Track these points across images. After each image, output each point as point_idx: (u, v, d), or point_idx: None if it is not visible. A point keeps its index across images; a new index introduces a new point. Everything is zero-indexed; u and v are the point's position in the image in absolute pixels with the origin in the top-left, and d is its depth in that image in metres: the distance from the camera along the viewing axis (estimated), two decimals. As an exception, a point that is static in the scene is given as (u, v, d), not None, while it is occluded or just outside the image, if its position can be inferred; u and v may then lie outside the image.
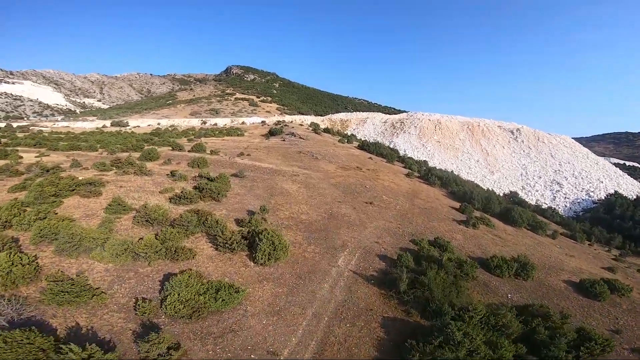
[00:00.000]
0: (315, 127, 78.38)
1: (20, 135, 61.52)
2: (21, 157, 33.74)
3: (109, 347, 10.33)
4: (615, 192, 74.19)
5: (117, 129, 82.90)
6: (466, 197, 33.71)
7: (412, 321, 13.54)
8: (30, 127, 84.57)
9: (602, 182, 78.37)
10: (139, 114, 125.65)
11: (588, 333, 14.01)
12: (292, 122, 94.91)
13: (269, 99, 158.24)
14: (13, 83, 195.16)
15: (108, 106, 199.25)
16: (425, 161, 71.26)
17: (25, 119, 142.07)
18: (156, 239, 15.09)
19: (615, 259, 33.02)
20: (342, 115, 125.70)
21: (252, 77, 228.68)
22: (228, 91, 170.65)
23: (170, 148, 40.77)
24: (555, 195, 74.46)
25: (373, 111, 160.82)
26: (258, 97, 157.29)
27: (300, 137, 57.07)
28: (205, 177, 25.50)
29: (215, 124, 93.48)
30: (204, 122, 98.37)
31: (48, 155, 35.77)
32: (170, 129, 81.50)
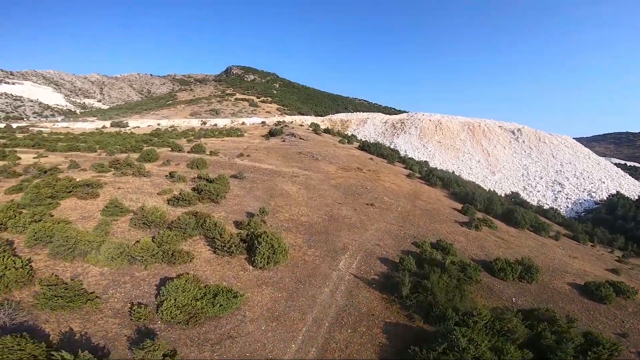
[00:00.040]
0: (315, 128, 78.08)
1: (20, 135, 61.29)
2: (19, 158, 33.46)
3: (103, 354, 10.03)
4: (617, 192, 73.80)
5: (117, 129, 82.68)
6: (468, 198, 33.38)
7: (414, 326, 13.22)
8: (30, 128, 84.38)
9: (603, 182, 77.98)
10: (139, 114, 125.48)
11: (595, 337, 13.68)
12: (292, 122, 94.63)
13: (269, 99, 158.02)
14: (13, 83, 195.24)
15: (108, 107, 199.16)
16: (426, 162, 70.94)
17: (25, 119, 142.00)
18: (153, 241, 14.80)
19: (618, 261, 32.69)
20: (342, 116, 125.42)
21: (252, 77, 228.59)
22: (228, 91, 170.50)
23: (170, 149, 40.49)
24: (556, 195, 74.09)
25: (373, 111, 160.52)
26: (258, 98, 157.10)
27: (301, 138, 56.78)
28: (204, 179, 25.20)
29: (215, 125, 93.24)
30: (204, 123, 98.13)
31: (46, 156, 35.50)
32: (170, 129, 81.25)
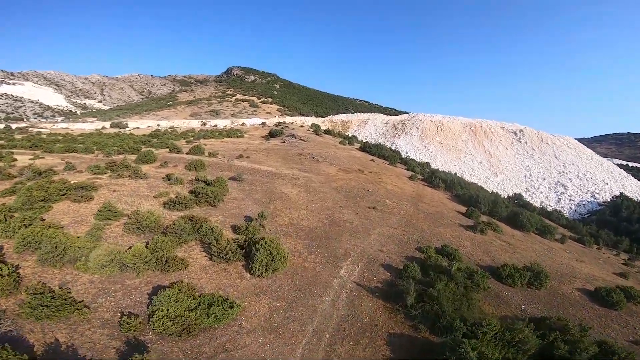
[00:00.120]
0: (316, 129, 77.50)
1: (18, 136, 60.83)
2: (15, 160, 32.90)
3: (89, 368, 9.46)
4: (621, 194, 73.05)
5: (116, 130, 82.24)
6: (472, 200, 32.69)
7: (420, 337, 12.56)
8: (29, 129, 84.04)
9: (607, 183, 77.24)
10: (139, 115, 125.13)
11: (610, 347, 13.07)
12: (292, 123, 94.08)
13: (270, 100, 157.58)
14: (14, 84, 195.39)
15: (109, 107, 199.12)
16: (427, 163, 70.26)
17: (25, 120, 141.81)
18: (146, 247, 14.16)
19: (625, 264, 32.03)
20: (343, 117, 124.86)
21: (252, 78, 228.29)
22: (228, 92, 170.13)
23: (168, 150, 39.90)
24: (560, 197, 73.36)
25: (374, 112, 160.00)
26: (259, 98, 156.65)
27: (301, 139, 56.17)
28: (202, 181, 24.59)
29: (215, 126, 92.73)
30: (204, 124, 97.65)
31: (42, 158, 34.95)
32: (169, 130, 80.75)
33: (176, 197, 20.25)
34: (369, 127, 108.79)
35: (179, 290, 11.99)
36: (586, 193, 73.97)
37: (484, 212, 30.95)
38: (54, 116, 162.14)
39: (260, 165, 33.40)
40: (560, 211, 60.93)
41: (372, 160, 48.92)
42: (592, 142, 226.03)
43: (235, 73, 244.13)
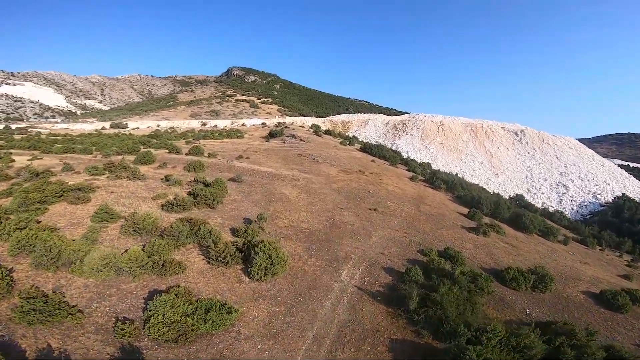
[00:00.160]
0: (316, 129, 77.22)
1: (17, 137, 60.59)
2: (13, 161, 32.63)
3: (82, 376, 9.16)
4: (623, 194, 72.67)
5: (116, 131, 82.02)
6: (474, 202, 32.34)
7: (423, 343, 12.24)
8: (29, 129, 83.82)
9: (608, 184, 76.87)
10: (139, 115, 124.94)
11: (618, 351, 12.77)
12: (292, 123, 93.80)
13: (270, 100, 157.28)
14: (14, 84, 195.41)
15: (109, 108, 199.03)
16: (428, 163, 69.92)
17: (25, 120, 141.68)
18: (143, 251, 13.86)
19: (628, 265, 31.74)
20: (343, 117, 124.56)
21: (253, 78, 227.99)
22: (229, 92, 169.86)
23: (167, 151, 39.61)
24: (561, 197, 72.98)
25: (374, 112, 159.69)
26: (259, 99, 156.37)
27: (301, 139, 55.88)
28: (200, 182, 24.28)
29: (215, 126, 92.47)
30: (204, 124, 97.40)
31: (41, 159, 34.66)
32: (169, 131, 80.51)
33: (174, 198, 19.96)
34: (370, 128, 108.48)
35: (176, 295, 11.69)
36: (588, 194, 73.61)
37: (486, 214, 30.61)
38: (54, 116, 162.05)
39: (260, 166, 33.10)
40: (562, 212, 60.58)
41: (372, 161, 48.60)
42: (592, 143, 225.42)
43: (235, 73, 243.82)
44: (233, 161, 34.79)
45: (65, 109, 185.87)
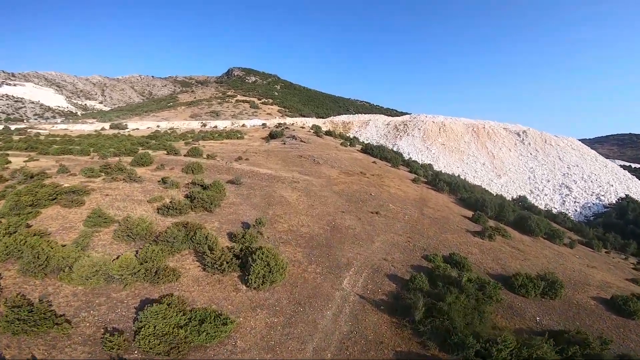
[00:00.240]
0: (316, 130, 76.62)
1: (16, 138, 60.09)
2: (9, 162, 32.07)
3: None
4: (627, 195, 71.87)
5: (115, 131, 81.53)
6: (478, 204, 31.64)
7: (429, 355, 11.62)
8: (28, 130, 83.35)
9: (612, 185, 76.07)
10: (139, 116, 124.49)
11: (632, 360, 12.16)
12: (293, 124, 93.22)
13: (270, 101, 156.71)
14: (15, 85, 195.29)
15: (109, 108, 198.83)
16: (430, 165, 69.25)
17: (26, 121, 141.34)
18: (136, 257, 13.26)
19: (635, 268, 31.08)
20: (344, 118, 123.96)
21: (253, 79, 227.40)
22: (229, 93, 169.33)
23: (166, 152, 39.01)
24: (564, 199, 72.21)
25: (375, 113, 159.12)
26: (259, 99, 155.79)
27: (302, 140, 55.27)
28: (198, 185, 23.69)
29: (215, 127, 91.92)
30: (204, 125, 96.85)
31: (37, 160, 34.09)
32: (169, 131, 79.98)
33: (171, 202, 19.35)
34: (370, 129, 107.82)
35: (168, 305, 11.09)
36: (591, 195, 72.81)
37: (491, 217, 29.93)
38: (54, 117, 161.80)
39: (259, 168, 32.49)
40: (565, 214, 59.88)
41: (374, 162, 47.95)
42: (593, 143, 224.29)
43: (235, 74, 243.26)
44: (232, 163, 34.19)
45: (66, 110, 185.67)
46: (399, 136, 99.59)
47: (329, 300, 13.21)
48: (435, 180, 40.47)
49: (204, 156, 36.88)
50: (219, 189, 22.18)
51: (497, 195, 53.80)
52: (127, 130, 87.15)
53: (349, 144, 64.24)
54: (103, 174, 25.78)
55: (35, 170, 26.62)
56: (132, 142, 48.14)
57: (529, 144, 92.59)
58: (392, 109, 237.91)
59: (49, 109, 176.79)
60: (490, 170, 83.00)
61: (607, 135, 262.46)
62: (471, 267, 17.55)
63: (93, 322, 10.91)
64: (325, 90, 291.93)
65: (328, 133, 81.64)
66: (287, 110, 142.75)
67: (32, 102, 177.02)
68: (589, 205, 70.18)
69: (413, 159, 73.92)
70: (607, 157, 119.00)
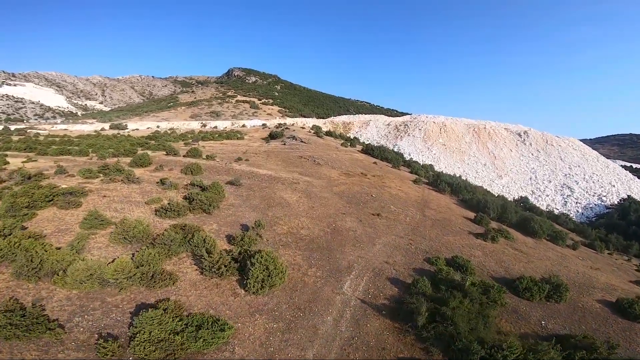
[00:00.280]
0: (317, 130, 76.35)
1: (15, 138, 59.83)
2: (7, 163, 31.79)
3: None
4: (629, 196, 71.48)
5: (115, 132, 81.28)
6: (480, 205, 31.28)
7: (432, 362, 11.31)
8: (28, 130, 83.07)
9: (613, 186, 75.70)
10: (139, 116, 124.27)
11: (640, 366, 11.83)
12: (293, 124, 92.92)
13: (271, 101, 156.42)
14: (15, 85, 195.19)
15: (109, 108, 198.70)
16: (431, 165, 68.91)
17: (26, 121, 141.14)
18: (132, 260, 12.97)
19: (638, 270, 30.74)
20: (344, 118, 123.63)
21: (253, 79, 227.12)
22: (229, 93, 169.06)
23: (165, 153, 38.72)
24: (566, 200, 71.85)
25: (376, 113, 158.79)
26: (259, 100, 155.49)
27: (302, 141, 54.98)
28: (197, 186, 23.40)
29: (215, 127, 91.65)
30: (204, 125, 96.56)
31: (35, 161, 33.82)
32: (168, 132, 79.73)
33: (169, 203, 19.06)
34: (371, 129, 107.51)
35: (164, 310, 10.79)
36: (593, 196, 72.44)
37: (493, 218, 29.60)
38: (54, 117, 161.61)
39: (259, 169, 32.19)
40: (567, 214, 59.52)
41: (374, 163, 47.63)
42: (594, 144, 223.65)
43: (236, 74, 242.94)
44: (232, 163, 33.89)
45: (66, 110, 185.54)
46: (399, 137, 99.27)
47: (329, 305, 12.90)
48: (437, 181, 40.15)
49: (204, 157, 36.59)
50: (217, 191, 21.88)
51: (498, 196, 53.45)
52: (126, 130, 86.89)
53: (349, 144, 63.95)
54: (101, 175, 25.51)
55: (32, 171, 26.34)
56: (131, 143, 47.84)
57: (530, 144, 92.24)
58: (392, 109, 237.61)
59: (49, 109, 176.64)
60: (492, 171, 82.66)
61: (607, 136, 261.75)
62: (474, 270, 17.23)
63: (87, 327, 10.62)
64: (326, 90, 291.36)
65: (328, 133, 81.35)
66: (287, 110, 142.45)
67: (33, 103, 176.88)
68: (590, 206, 69.81)
69: (414, 160, 73.62)
70: (607, 158, 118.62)
